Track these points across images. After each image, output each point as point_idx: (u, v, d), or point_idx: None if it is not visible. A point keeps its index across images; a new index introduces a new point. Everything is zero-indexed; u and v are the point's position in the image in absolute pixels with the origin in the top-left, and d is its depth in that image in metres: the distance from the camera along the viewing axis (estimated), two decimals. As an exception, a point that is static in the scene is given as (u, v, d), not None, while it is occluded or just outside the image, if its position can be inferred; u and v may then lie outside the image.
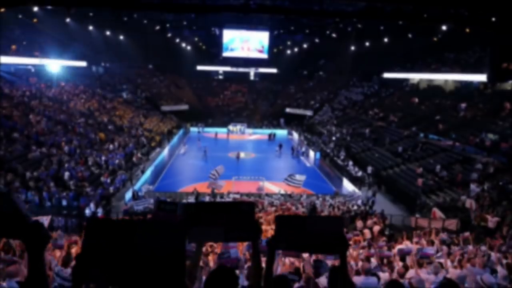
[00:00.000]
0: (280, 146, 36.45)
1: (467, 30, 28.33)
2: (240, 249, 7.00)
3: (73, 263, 6.17)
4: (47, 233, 1.41)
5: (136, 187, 23.23)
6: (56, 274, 5.78)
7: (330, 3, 23.67)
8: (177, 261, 1.35)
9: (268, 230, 12.35)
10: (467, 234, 12.03)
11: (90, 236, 1.45)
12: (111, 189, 21.85)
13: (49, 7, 28.23)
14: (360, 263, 6.96)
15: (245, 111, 54.32)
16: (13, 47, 31.49)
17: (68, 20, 30.51)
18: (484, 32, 26.55)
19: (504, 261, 7.69)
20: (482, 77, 27.90)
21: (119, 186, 22.98)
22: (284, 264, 6.56)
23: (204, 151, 32.91)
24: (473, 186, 20.33)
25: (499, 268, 7.02)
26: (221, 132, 44.59)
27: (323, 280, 4.91)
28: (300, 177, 22.23)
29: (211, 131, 44.90)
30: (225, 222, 1.95)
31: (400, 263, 7.60)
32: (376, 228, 14.50)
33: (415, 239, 10.97)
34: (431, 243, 9.99)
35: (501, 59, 5.77)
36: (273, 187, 24.62)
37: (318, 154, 34.43)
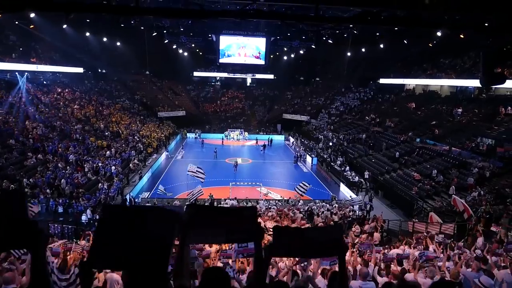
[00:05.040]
0: (264, 146, 39.28)
1: (462, 36, 28.61)
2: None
3: (69, 270, 6.18)
4: (44, 230, 1.44)
5: (133, 193, 23.17)
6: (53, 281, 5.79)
7: (326, 9, 23.94)
8: (162, 247, 1.44)
9: (266, 236, 12.30)
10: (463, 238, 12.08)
11: (105, 222, 1.51)
12: (108, 195, 21.72)
13: (46, 13, 28.31)
14: (358, 267, 6.96)
15: (242, 117, 54.42)
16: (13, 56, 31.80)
17: (65, 26, 30.56)
18: (478, 38, 26.86)
19: (502, 264, 7.73)
20: (477, 82, 28.00)
21: (114, 193, 22.68)
22: (285, 271, 6.50)
23: (215, 152, 34.93)
24: (452, 189, 21.02)
25: (495, 271, 7.04)
26: (210, 137, 44.90)
27: (321, 283, 4.91)
28: (306, 185, 22.31)
29: (209, 137, 45.13)
30: (226, 224, 1.96)
31: (398, 268, 7.62)
32: (377, 235, 14.47)
33: (413, 244, 10.99)
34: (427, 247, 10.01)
35: (494, 63, 5.83)
36: (271, 193, 24.62)
37: (315, 160, 34.46)
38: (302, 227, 13.92)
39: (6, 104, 27.89)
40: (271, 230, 11.54)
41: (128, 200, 21.65)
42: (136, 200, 21.85)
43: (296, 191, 22.13)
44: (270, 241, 2.01)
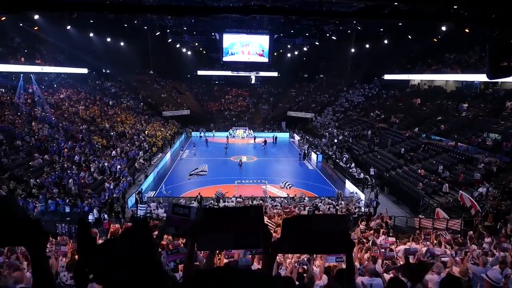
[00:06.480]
0: (265, 142, 40.53)
1: (467, 30, 28.34)
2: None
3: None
4: (45, 230, 1.39)
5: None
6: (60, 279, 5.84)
7: (329, 5, 23.81)
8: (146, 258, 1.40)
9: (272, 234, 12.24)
10: (470, 233, 12.00)
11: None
12: (114, 194, 21.81)
13: (50, 14, 28.43)
14: (365, 264, 6.94)
15: (247, 115, 54.42)
16: (22, 59, 32.10)
17: (69, 27, 30.66)
18: (483, 32, 26.62)
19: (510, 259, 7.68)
20: (483, 77, 27.88)
21: (119, 193, 22.62)
22: (291, 268, 6.48)
23: (225, 148, 36.64)
24: (445, 187, 21.28)
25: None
26: (215, 136, 45.32)
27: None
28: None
29: (212, 135, 45.43)
30: (234, 229, 1.94)
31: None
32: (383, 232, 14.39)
33: (421, 240, 10.93)
34: (439, 244, 9.95)
35: (500, 56, 5.76)
36: (276, 190, 24.58)
37: (320, 157, 34.34)
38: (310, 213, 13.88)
39: (11, 106, 28.14)
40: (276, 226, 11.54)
41: (135, 199, 21.77)
42: (142, 199, 21.94)
43: (286, 187, 22.47)
44: (277, 238, 1.99)
